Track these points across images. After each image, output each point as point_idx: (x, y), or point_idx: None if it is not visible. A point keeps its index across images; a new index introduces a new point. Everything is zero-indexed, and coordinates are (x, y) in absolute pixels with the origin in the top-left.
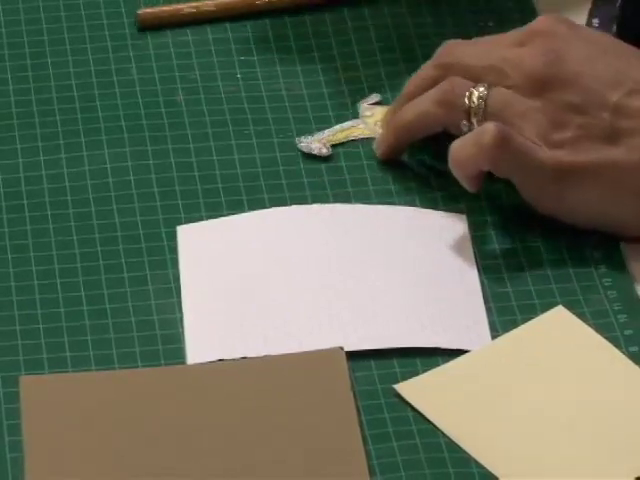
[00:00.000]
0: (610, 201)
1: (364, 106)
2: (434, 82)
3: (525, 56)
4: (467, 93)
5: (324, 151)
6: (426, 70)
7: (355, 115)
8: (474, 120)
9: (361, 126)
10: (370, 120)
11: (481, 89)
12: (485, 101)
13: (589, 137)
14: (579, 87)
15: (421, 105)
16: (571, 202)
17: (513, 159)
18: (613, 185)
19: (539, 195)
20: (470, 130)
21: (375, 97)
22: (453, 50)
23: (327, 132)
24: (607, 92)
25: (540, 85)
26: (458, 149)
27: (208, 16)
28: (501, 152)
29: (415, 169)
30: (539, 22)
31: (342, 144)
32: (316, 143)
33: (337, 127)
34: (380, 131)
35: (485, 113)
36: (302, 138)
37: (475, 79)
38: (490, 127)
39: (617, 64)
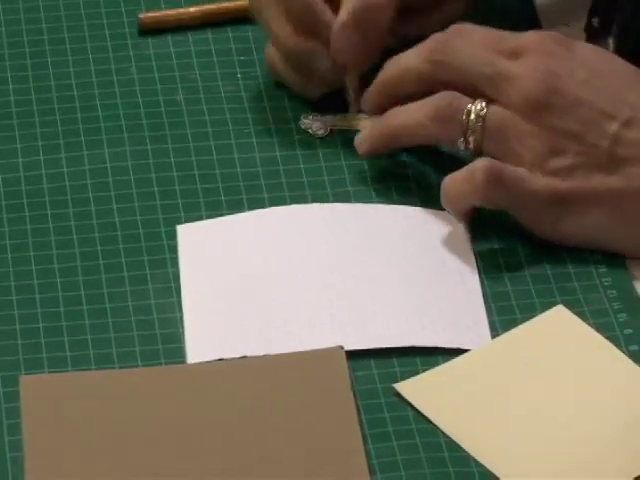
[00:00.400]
0: (607, 227)
1: None
2: (421, 77)
3: (522, 76)
4: (465, 110)
5: (320, 132)
6: (414, 61)
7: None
8: (471, 138)
9: (366, 119)
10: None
11: (479, 106)
12: (483, 120)
13: (586, 165)
14: (577, 115)
15: (415, 117)
16: (568, 228)
17: (506, 194)
18: (611, 212)
19: (536, 222)
20: (466, 148)
21: None
22: (448, 47)
23: (330, 116)
24: (605, 122)
25: (537, 110)
26: (450, 186)
27: (208, 20)
28: (493, 189)
29: (415, 168)
30: (531, 38)
31: (343, 143)
32: (317, 123)
33: (343, 115)
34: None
35: (483, 132)
36: (305, 115)
37: (469, 87)
38: (481, 165)
39: (614, 87)
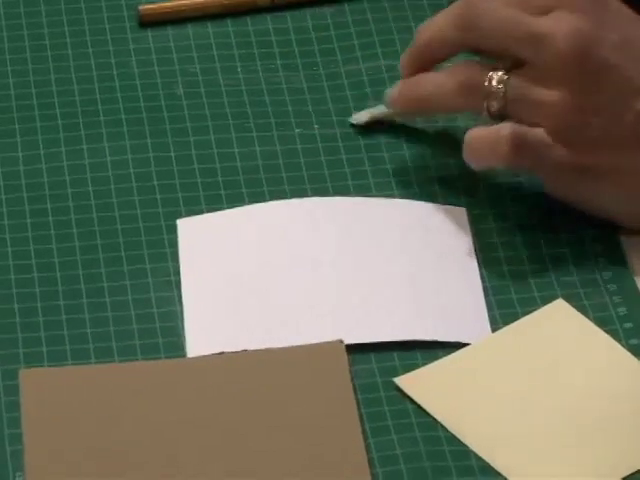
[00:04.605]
0: (627, 201)
1: None
2: (451, 44)
3: (553, 35)
4: (487, 78)
5: (363, 118)
6: (444, 28)
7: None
8: (493, 105)
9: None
10: None
11: (500, 73)
12: (505, 86)
13: (610, 140)
14: (606, 86)
15: (441, 89)
16: (583, 195)
17: (528, 160)
18: (631, 188)
19: (555, 185)
20: (490, 115)
21: None
22: (474, 10)
23: (381, 108)
24: (632, 96)
25: (566, 73)
26: (474, 145)
27: (209, 12)
28: (518, 156)
29: (416, 162)
30: None
31: (343, 138)
32: (363, 113)
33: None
34: None
35: (505, 98)
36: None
37: (498, 51)
38: (505, 131)
39: None
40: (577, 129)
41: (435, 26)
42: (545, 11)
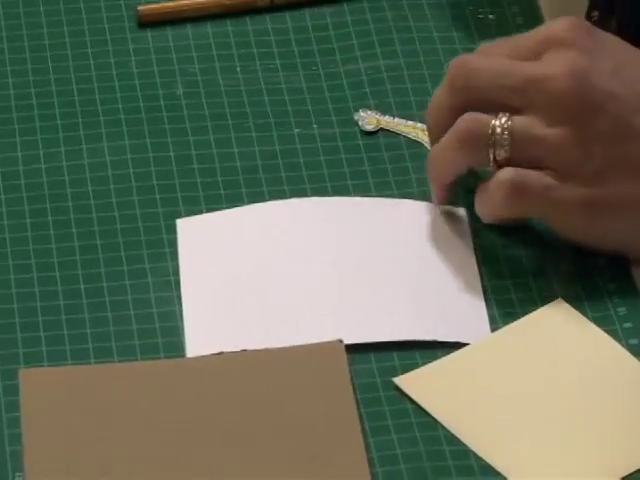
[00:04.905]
0: (638, 233)
1: None
2: (453, 111)
3: (551, 76)
4: (490, 127)
5: (370, 128)
6: (442, 97)
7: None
8: (500, 154)
9: (421, 130)
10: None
11: (503, 120)
12: (509, 132)
13: (618, 169)
14: (606, 113)
15: (445, 151)
16: (597, 233)
17: (532, 204)
18: None
19: (564, 227)
20: (496, 165)
21: None
22: (466, 70)
23: (388, 117)
24: (635, 117)
25: (569, 112)
26: (479, 199)
27: (208, 12)
28: (518, 202)
29: (416, 162)
30: (557, 26)
31: (342, 137)
32: (370, 119)
33: (399, 120)
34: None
35: (510, 145)
36: (363, 110)
37: (495, 104)
38: (504, 177)
39: (638, 76)
40: (582, 162)
41: (435, 98)
42: (536, 55)
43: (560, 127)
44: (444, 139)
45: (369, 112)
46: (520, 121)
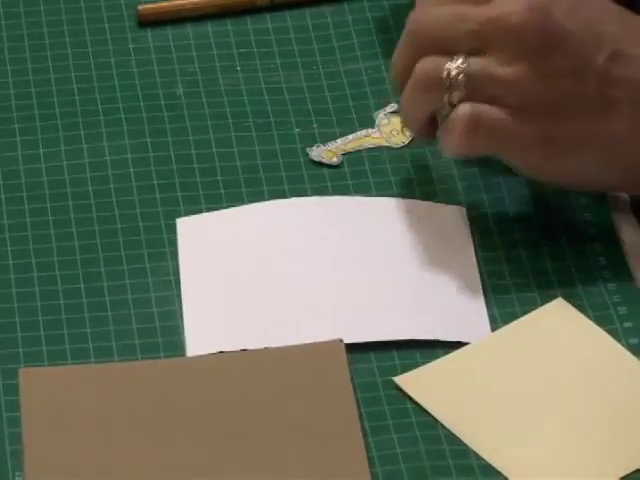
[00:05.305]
0: (596, 169)
1: (381, 115)
2: (413, 61)
3: (507, 13)
4: (445, 70)
5: (334, 160)
6: (401, 50)
7: (363, 119)
8: (455, 96)
9: (376, 134)
10: (386, 128)
11: (458, 62)
12: (465, 74)
13: (576, 106)
14: (564, 50)
15: (407, 98)
16: (553, 168)
17: (490, 140)
18: (600, 154)
19: (520, 163)
20: (452, 107)
21: (392, 106)
22: (421, 21)
23: (340, 141)
24: (592, 54)
25: (527, 47)
26: (441, 139)
27: (208, 12)
28: (475, 137)
29: (415, 161)
30: None
31: (342, 136)
32: (327, 153)
33: (350, 136)
34: (394, 140)
35: (466, 86)
36: (314, 147)
37: (453, 49)
38: (459, 114)
39: (595, 19)
40: (540, 98)
41: (397, 50)
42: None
43: (517, 64)
44: (407, 85)
45: (322, 146)
46: (476, 61)
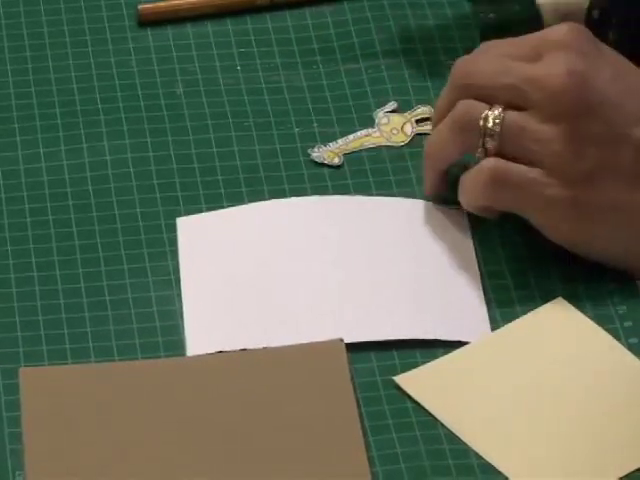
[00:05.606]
0: (623, 243)
1: (380, 114)
2: (453, 103)
3: (549, 76)
4: (482, 116)
5: (336, 160)
6: (445, 95)
7: (363, 118)
8: (489, 144)
9: (376, 134)
10: (386, 128)
11: (497, 112)
12: (501, 124)
13: (608, 174)
14: (603, 117)
15: (439, 134)
16: (581, 238)
17: (513, 196)
18: (628, 228)
19: (547, 226)
20: (485, 156)
21: (392, 105)
22: (467, 69)
23: (340, 142)
24: (630, 126)
25: (563, 109)
26: (463, 185)
27: (208, 11)
28: (498, 190)
29: (415, 160)
30: (559, 30)
31: (342, 136)
32: (328, 153)
33: (351, 136)
34: (394, 139)
35: (500, 137)
36: (315, 148)
37: (493, 100)
38: (487, 165)
39: (637, 91)
40: (572, 161)
41: (440, 96)
42: (536, 57)
43: (553, 124)
44: (441, 124)
45: (323, 147)
46: (513, 115)
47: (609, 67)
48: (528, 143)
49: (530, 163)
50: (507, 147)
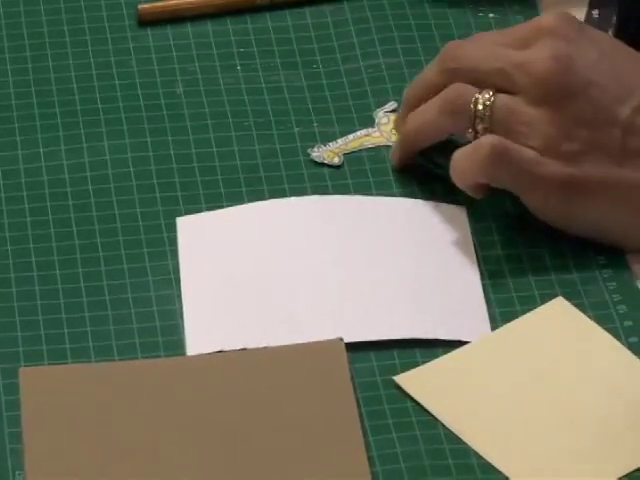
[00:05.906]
0: (612, 218)
1: (380, 114)
2: (438, 88)
3: (535, 60)
4: (472, 100)
5: (336, 160)
6: (430, 75)
7: (363, 118)
8: (479, 127)
9: (376, 134)
10: (386, 127)
11: (487, 95)
12: (491, 108)
13: (597, 153)
14: (589, 99)
15: (426, 114)
16: (573, 215)
17: (510, 173)
18: (617, 203)
19: (540, 206)
20: (475, 138)
21: (391, 105)
22: (457, 53)
23: (340, 142)
24: (617, 106)
25: (550, 93)
26: (457, 161)
27: (208, 11)
28: (497, 166)
29: (415, 161)
30: (546, 19)
31: (342, 136)
32: (328, 153)
33: (350, 136)
34: (394, 139)
35: (491, 120)
36: (315, 148)
37: (481, 84)
38: (486, 141)
39: (624, 71)
40: (563, 141)
41: (423, 75)
42: (525, 45)
43: (541, 107)
44: (428, 103)
45: (323, 147)
46: (503, 98)
47: (595, 50)
48: (518, 126)
49: (520, 145)
50: (497, 129)
